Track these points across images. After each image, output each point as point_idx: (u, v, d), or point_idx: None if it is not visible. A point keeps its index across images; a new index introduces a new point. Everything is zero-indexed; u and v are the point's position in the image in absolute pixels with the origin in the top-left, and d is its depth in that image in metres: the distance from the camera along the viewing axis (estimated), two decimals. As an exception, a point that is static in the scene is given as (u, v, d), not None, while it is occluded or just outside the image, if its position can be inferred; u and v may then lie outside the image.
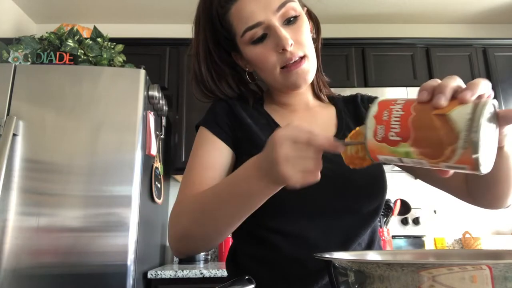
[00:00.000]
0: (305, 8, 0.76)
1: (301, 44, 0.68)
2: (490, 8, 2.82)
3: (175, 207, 0.67)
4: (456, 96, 0.40)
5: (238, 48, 0.73)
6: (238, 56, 0.76)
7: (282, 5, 0.66)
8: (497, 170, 0.57)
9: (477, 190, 0.67)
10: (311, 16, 0.77)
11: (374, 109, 0.43)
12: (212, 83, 0.77)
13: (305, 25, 0.70)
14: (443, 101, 0.40)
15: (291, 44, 0.66)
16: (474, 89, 0.40)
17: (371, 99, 0.83)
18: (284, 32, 0.66)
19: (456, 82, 0.42)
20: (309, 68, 0.70)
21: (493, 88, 2.47)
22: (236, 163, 0.73)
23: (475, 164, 0.38)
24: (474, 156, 0.37)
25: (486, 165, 0.39)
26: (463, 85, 0.42)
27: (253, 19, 0.66)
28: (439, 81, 0.43)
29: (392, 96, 2.32)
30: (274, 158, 0.47)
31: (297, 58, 0.68)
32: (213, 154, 0.71)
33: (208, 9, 0.73)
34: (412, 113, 0.41)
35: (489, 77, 2.50)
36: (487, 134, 0.39)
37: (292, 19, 0.68)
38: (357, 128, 0.49)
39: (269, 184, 0.51)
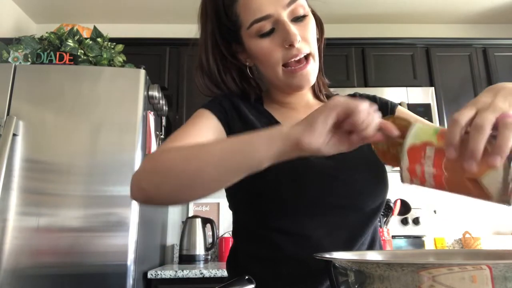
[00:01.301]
0: (310, 9, 0.76)
1: (308, 41, 0.68)
2: (490, 8, 2.82)
3: (157, 150, 0.60)
4: (485, 157, 0.40)
5: (241, 40, 0.72)
6: (239, 50, 0.75)
7: (293, 1, 0.66)
8: None
9: None
10: (315, 17, 0.76)
11: (405, 161, 0.45)
12: (218, 76, 0.76)
13: (312, 24, 0.70)
14: (475, 168, 0.41)
15: (299, 41, 0.66)
16: (502, 152, 0.39)
17: (370, 98, 0.83)
18: (293, 28, 0.66)
19: (483, 134, 0.40)
20: (314, 69, 0.70)
21: (493, 88, 2.48)
22: None
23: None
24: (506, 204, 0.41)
25: None
26: (486, 137, 0.40)
27: (262, 11, 0.66)
28: (462, 123, 0.42)
29: (395, 96, 2.28)
30: (323, 108, 0.47)
31: (302, 56, 0.67)
32: (208, 124, 0.69)
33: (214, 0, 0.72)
34: (444, 173, 0.43)
35: (489, 77, 2.50)
36: None
37: (300, 17, 0.68)
38: (389, 119, 0.50)
39: (286, 142, 0.48)
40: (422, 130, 0.45)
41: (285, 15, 0.66)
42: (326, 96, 0.84)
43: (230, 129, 0.72)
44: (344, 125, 0.47)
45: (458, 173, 0.42)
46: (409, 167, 0.45)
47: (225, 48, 0.75)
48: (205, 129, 0.68)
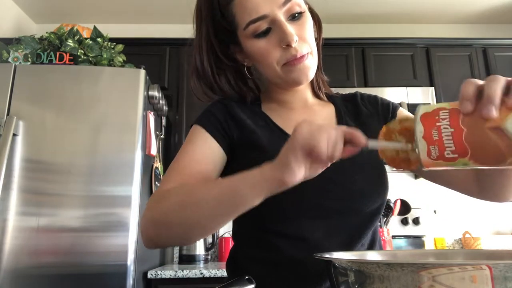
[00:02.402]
0: (307, 6, 0.75)
1: (305, 40, 0.68)
2: (490, 8, 2.82)
3: (157, 194, 0.64)
4: (504, 102, 0.39)
5: (238, 41, 0.72)
6: (237, 50, 0.74)
7: (288, 0, 0.66)
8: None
9: (486, 180, 0.66)
10: (313, 14, 0.76)
11: (419, 128, 0.43)
12: (212, 78, 0.75)
13: (309, 22, 0.69)
14: (494, 113, 0.39)
15: (296, 41, 0.65)
16: None
17: (371, 98, 0.82)
18: (290, 27, 0.65)
19: (499, 85, 0.40)
20: (312, 64, 0.69)
21: (493, 88, 2.48)
22: (233, 164, 0.72)
23: None
24: None
25: None
26: (502, 85, 0.40)
27: (258, 11, 0.65)
28: (476, 82, 0.42)
29: (395, 96, 2.28)
30: (291, 146, 0.49)
31: (300, 55, 0.67)
32: (204, 148, 0.70)
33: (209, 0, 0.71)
34: (464, 129, 0.40)
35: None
36: None
37: (297, 15, 0.67)
38: (384, 128, 0.49)
39: (271, 184, 0.52)
40: (431, 104, 0.44)
41: (281, 15, 0.65)
42: (326, 95, 0.83)
43: (229, 138, 0.72)
44: (313, 157, 0.50)
45: (479, 127, 0.40)
46: (425, 133, 0.42)
47: (220, 49, 0.74)
48: (202, 156, 0.69)
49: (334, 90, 0.87)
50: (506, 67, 2.53)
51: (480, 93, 0.42)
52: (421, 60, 2.53)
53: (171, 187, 0.64)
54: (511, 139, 0.38)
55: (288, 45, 0.66)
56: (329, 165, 0.52)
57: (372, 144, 0.50)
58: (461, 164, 0.41)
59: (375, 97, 0.83)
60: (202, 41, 0.74)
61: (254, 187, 0.53)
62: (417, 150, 0.43)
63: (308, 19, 0.69)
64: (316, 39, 0.74)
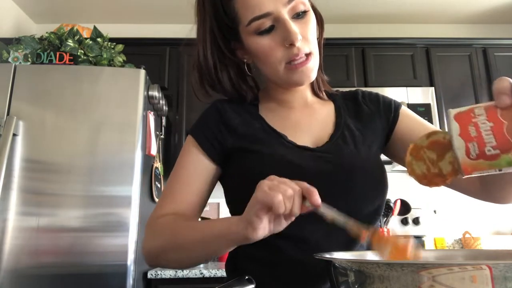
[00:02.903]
0: (310, 4, 0.75)
1: (308, 40, 0.67)
2: (490, 8, 2.82)
3: (153, 220, 0.70)
4: None
5: (239, 37, 0.71)
6: (238, 46, 0.74)
7: None
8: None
9: (492, 183, 0.65)
10: (315, 13, 0.75)
11: (455, 127, 0.40)
12: (214, 73, 0.74)
13: (313, 21, 0.69)
14: None
15: (300, 40, 0.65)
16: None
17: (372, 96, 0.81)
18: (294, 26, 0.65)
19: None
20: (314, 66, 0.69)
21: (493, 88, 2.48)
22: (229, 169, 0.73)
23: None
24: None
25: None
26: None
27: (262, 9, 0.64)
28: (508, 79, 0.41)
29: (395, 96, 2.28)
30: (251, 203, 0.53)
31: (303, 55, 0.67)
32: (196, 167, 0.73)
33: None
34: (504, 122, 0.38)
35: (489, 77, 2.50)
36: None
37: (301, 13, 0.66)
38: (412, 145, 0.46)
39: (235, 238, 0.57)
40: (463, 107, 0.42)
41: (285, 13, 0.65)
42: (326, 93, 0.83)
43: (221, 147, 0.73)
44: (273, 214, 0.53)
45: None
46: (461, 131, 0.39)
47: (223, 44, 0.73)
48: (194, 176, 0.73)
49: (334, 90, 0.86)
50: (506, 67, 2.53)
51: None
52: (421, 60, 2.53)
53: (164, 214, 0.70)
54: None
55: (292, 44, 0.65)
56: (293, 219, 0.55)
57: (324, 210, 0.52)
58: (505, 162, 0.38)
59: (377, 95, 0.81)
60: (206, 35, 0.73)
61: (221, 238, 0.58)
62: (454, 149, 0.40)
63: (311, 18, 0.69)
64: (318, 38, 0.74)
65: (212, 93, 0.78)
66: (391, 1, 2.73)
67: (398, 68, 2.52)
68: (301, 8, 0.66)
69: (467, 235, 2.47)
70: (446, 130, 0.42)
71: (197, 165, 0.73)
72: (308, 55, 0.67)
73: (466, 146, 0.39)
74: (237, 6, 0.67)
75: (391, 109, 0.78)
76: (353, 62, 2.51)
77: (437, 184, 0.46)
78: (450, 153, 0.43)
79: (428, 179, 0.46)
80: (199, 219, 0.76)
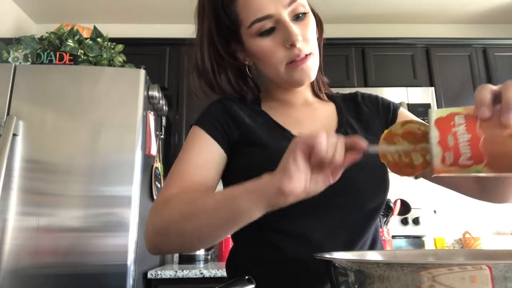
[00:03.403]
0: (309, 7, 0.76)
1: (308, 41, 0.68)
2: (490, 8, 2.82)
3: (159, 200, 0.64)
4: None
5: (240, 39, 0.72)
6: (239, 48, 0.75)
7: (294, 0, 0.66)
8: None
9: (489, 183, 0.65)
10: (314, 14, 0.76)
11: (434, 134, 0.41)
12: (212, 75, 0.75)
13: (312, 23, 0.70)
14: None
15: (300, 40, 0.66)
16: None
17: (372, 98, 0.82)
18: (294, 27, 0.66)
19: None
20: (314, 65, 0.70)
21: (493, 88, 2.48)
22: (233, 162, 0.72)
23: None
24: None
25: None
26: None
27: (263, 11, 0.66)
28: (491, 88, 0.42)
29: (395, 96, 2.27)
30: (290, 149, 0.48)
31: (304, 55, 0.68)
32: (205, 152, 0.69)
33: None
34: (481, 136, 0.39)
35: (489, 77, 2.50)
36: None
37: (301, 15, 0.68)
38: (386, 131, 0.47)
39: (269, 192, 0.50)
40: (443, 109, 0.43)
41: (286, 15, 0.66)
42: (326, 95, 0.83)
43: (228, 138, 0.72)
44: (313, 162, 0.48)
45: (497, 133, 0.39)
46: (440, 138, 0.40)
47: (222, 46, 0.74)
48: (202, 160, 0.68)
49: (334, 90, 0.87)
50: (506, 67, 2.53)
51: (496, 98, 0.41)
52: (421, 60, 2.53)
53: (172, 193, 0.64)
54: None
55: (293, 45, 0.66)
56: (333, 181, 0.50)
57: (373, 148, 0.48)
58: (473, 171, 0.40)
59: (376, 97, 0.83)
60: (204, 38, 0.74)
61: (251, 194, 0.51)
62: (431, 155, 0.41)
63: (311, 20, 0.70)
64: (317, 39, 0.75)
65: (211, 93, 0.78)
66: (392, 1, 2.73)
67: (398, 68, 2.52)
68: (301, 10, 0.68)
69: (467, 235, 2.47)
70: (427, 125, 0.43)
71: (206, 149, 0.70)
72: (308, 55, 0.69)
73: (442, 154, 0.41)
74: (238, 8, 0.68)
75: (390, 110, 0.79)
76: (353, 62, 2.51)
77: (406, 174, 0.46)
78: (423, 144, 0.45)
79: (398, 168, 0.47)
80: None
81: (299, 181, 0.48)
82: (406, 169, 0.46)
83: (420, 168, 0.45)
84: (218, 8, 0.71)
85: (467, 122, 0.41)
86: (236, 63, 0.76)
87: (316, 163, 0.48)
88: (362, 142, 0.48)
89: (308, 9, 0.70)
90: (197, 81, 0.77)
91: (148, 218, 0.63)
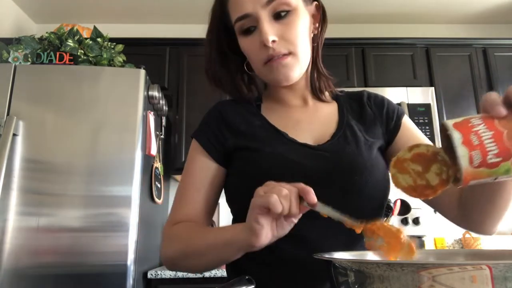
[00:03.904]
0: (315, 3, 0.74)
1: (288, 41, 0.67)
2: (490, 8, 2.82)
3: (169, 227, 0.73)
4: None
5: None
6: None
7: None
8: (504, 189, 0.59)
9: (470, 208, 0.67)
10: (319, 8, 0.75)
11: (457, 135, 0.41)
12: (218, 72, 0.77)
13: (299, 21, 0.68)
14: None
15: (273, 41, 0.65)
16: None
17: (378, 100, 0.80)
18: (267, 27, 0.65)
19: None
20: (292, 64, 0.68)
21: (493, 88, 2.47)
22: (233, 168, 0.73)
23: None
24: None
25: None
26: None
27: (242, 10, 0.67)
28: (496, 93, 0.44)
29: (395, 96, 2.28)
30: (250, 209, 0.53)
31: (280, 55, 0.67)
32: (203, 172, 0.74)
33: None
34: (503, 131, 0.39)
35: (489, 77, 2.50)
36: None
37: (282, 13, 0.66)
38: (395, 159, 0.48)
39: (241, 246, 0.58)
40: (455, 118, 0.43)
41: (263, 14, 0.66)
42: (331, 94, 0.82)
43: (224, 148, 0.74)
44: (272, 216, 0.53)
45: None
46: (464, 139, 0.39)
47: (226, 44, 0.75)
48: (202, 181, 0.74)
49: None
50: (506, 67, 2.53)
51: (504, 104, 0.42)
52: (421, 60, 2.53)
53: (177, 222, 0.72)
54: None
55: (264, 46, 0.66)
56: (295, 221, 0.55)
57: (320, 208, 0.52)
58: (503, 170, 0.39)
59: (382, 100, 0.80)
60: (213, 35, 0.76)
61: (229, 247, 0.59)
62: (457, 158, 0.40)
63: (297, 18, 0.68)
64: (316, 38, 0.74)
65: (216, 88, 0.81)
66: (391, 1, 2.73)
67: (398, 68, 2.52)
68: (283, 8, 0.66)
69: (467, 235, 2.47)
70: (440, 141, 0.43)
71: (203, 169, 0.74)
72: (286, 54, 0.68)
73: (469, 154, 0.40)
74: (229, 7, 0.71)
75: (393, 116, 0.77)
76: (353, 62, 2.51)
77: (427, 196, 0.46)
78: (435, 165, 0.45)
79: (418, 192, 0.46)
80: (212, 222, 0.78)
81: (266, 235, 0.53)
82: (426, 191, 0.46)
83: (439, 187, 0.45)
84: (223, 6, 0.73)
85: (484, 122, 0.41)
86: (237, 61, 0.77)
87: (275, 217, 0.53)
88: (313, 198, 0.52)
89: (294, 6, 0.67)
90: (206, 77, 0.80)
91: (161, 245, 0.73)
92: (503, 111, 0.41)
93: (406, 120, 0.78)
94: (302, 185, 0.53)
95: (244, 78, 0.80)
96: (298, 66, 0.70)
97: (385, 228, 0.48)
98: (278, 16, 0.66)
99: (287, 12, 0.67)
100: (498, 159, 0.39)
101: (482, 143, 0.39)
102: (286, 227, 0.55)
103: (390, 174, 0.49)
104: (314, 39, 0.74)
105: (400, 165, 0.47)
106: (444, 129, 0.43)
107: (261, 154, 0.69)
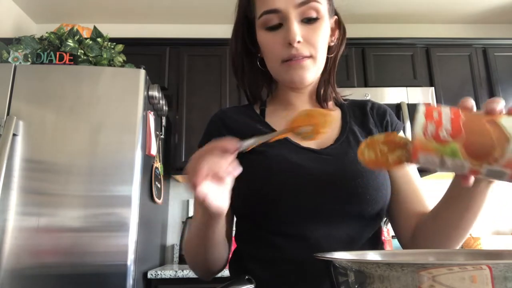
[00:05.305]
0: (335, 17, 0.76)
1: (312, 44, 0.69)
2: (490, 8, 2.82)
3: (185, 240, 0.75)
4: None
5: (255, 30, 0.74)
6: (256, 39, 0.77)
7: (306, 2, 0.67)
8: (466, 209, 0.60)
9: (430, 228, 0.68)
10: (340, 26, 0.77)
11: (422, 108, 0.45)
12: (241, 65, 0.78)
13: (323, 30, 0.70)
14: (496, 106, 0.43)
15: (299, 41, 0.67)
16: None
17: (381, 110, 0.81)
18: (296, 27, 0.67)
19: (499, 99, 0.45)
20: (310, 68, 0.70)
21: (493, 88, 2.47)
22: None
23: None
24: None
25: None
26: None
27: (273, 4, 0.67)
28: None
29: (395, 96, 2.29)
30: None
31: (300, 57, 0.68)
32: None
33: None
34: (463, 117, 0.43)
35: (489, 77, 2.50)
36: None
37: (311, 20, 0.68)
38: (369, 139, 0.51)
39: (205, 218, 0.59)
40: None
41: (293, 14, 0.67)
42: (335, 101, 0.83)
43: None
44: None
45: (476, 118, 0.43)
46: (426, 112, 0.44)
47: (248, 37, 0.77)
48: None
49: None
50: (506, 67, 2.53)
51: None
52: (421, 60, 2.54)
53: (187, 240, 0.75)
54: (503, 132, 0.41)
55: (290, 44, 0.67)
56: (234, 174, 0.53)
57: (243, 146, 0.53)
58: (450, 150, 0.43)
59: (384, 111, 0.81)
60: (237, 25, 0.77)
61: (199, 224, 0.62)
62: (413, 126, 0.45)
63: (322, 27, 0.70)
64: (334, 48, 0.76)
65: (240, 83, 0.82)
66: (391, 1, 2.73)
67: (398, 68, 2.52)
68: (312, 14, 0.68)
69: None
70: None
71: None
72: (307, 57, 0.69)
73: (425, 123, 0.44)
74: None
75: (389, 129, 0.79)
76: (353, 62, 2.51)
77: (380, 167, 0.52)
78: (401, 150, 0.49)
79: (374, 164, 0.51)
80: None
81: (208, 194, 0.50)
82: (382, 165, 0.51)
83: (394, 164, 0.50)
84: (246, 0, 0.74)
85: (452, 108, 0.45)
86: (257, 54, 0.78)
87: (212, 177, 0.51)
88: (231, 145, 0.51)
89: (323, 15, 0.69)
90: (232, 70, 0.81)
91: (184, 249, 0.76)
92: (470, 103, 0.45)
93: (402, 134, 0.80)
94: (215, 145, 0.52)
95: (261, 73, 0.81)
96: (314, 71, 0.71)
97: (303, 116, 0.54)
98: (307, 20, 0.68)
99: (316, 18, 0.69)
100: (449, 138, 0.43)
101: (440, 119, 0.43)
102: (224, 184, 0.53)
103: (359, 148, 0.52)
104: (329, 50, 0.76)
105: (371, 143, 0.51)
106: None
107: (266, 156, 0.69)
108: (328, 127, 0.54)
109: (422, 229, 0.70)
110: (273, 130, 0.75)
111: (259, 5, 0.70)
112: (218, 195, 0.52)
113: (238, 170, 0.53)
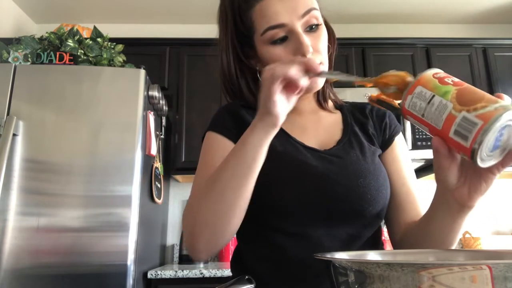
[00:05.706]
0: (323, 19, 0.77)
1: (319, 52, 0.70)
2: (490, 8, 2.82)
3: (187, 204, 0.67)
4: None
5: (253, 45, 0.74)
6: (251, 54, 0.76)
7: (307, 12, 0.68)
8: (452, 224, 0.61)
9: (418, 235, 0.69)
10: (328, 28, 0.78)
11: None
12: (236, 80, 0.77)
13: (324, 35, 0.72)
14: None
15: (311, 52, 0.67)
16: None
17: (380, 112, 0.82)
18: (306, 38, 0.67)
19: None
20: None
21: (493, 88, 2.48)
22: None
23: (486, 130, 0.41)
24: (492, 122, 0.41)
25: (489, 145, 0.43)
26: None
27: (277, 19, 0.67)
28: None
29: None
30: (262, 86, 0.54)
31: None
32: (221, 151, 0.71)
33: (231, 2, 0.74)
34: (466, 84, 0.47)
35: (489, 77, 2.50)
36: (509, 134, 0.43)
37: (314, 27, 0.69)
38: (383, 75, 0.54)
39: (264, 128, 0.57)
40: None
41: (299, 25, 0.68)
42: (334, 103, 0.84)
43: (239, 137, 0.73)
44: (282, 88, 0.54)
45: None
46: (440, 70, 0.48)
47: (241, 50, 0.76)
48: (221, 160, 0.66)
49: (334, 90, 0.87)
50: (506, 67, 2.53)
51: None
52: (421, 60, 2.53)
53: (194, 194, 0.68)
54: (496, 99, 0.43)
55: (303, 55, 0.67)
56: (301, 91, 0.56)
57: (325, 75, 0.59)
58: (444, 90, 0.45)
59: (384, 112, 0.82)
60: (229, 41, 0.76)
61: (250, 134, 0.58)
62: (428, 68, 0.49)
63: (323, 32, 0.71)
64: (329, 53, 0.76)
65: (233, 98, 0.80)
66: (391, 1, 2.73)
67: (398, 68, 2.49)
68: (314, 22, 0.69)
69: (467, 235, 2.47)
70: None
71: (221, 150, 0.71)
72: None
73: (438, 71, 0.48)
74: (254, 15, 0.70)
75: (389, 131, 0.80)
76: (353, 62, 2.51)
77: (393, 98, 0.54)
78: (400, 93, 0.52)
79: (376, 84, 0.54)
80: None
81: (280, 101, 0.55)
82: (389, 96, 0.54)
83: (391, 96, 0.53)
84: (235, 14, 0.73)
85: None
86: (252, 68, 0.78)
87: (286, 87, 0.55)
88: (317, 68, 0.54)
89: (321, 21, 0.71)
90: (221, 86, 0.79)
91: (184, 223, 0.66)
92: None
93: (399, 140, 0.80)
94: (303, 59, 0.55)
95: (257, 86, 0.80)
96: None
97: (394, 75, 0.54)
98: (310, 28, 0.69)
99: (317, 25, 0.70)
100: (450, 83, 0.46)
101: (448, 76, 0.47)
102: (293, 102, 0.57)
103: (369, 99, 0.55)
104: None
105: (384, 81, 0.54)
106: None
107: (273, 152, 0.70)
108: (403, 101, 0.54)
109: (409, 235, 0.72)
110: (281, 129, 0.74)
111: (259, 21, 0.69)
112: (284, 105, 0.55)
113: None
